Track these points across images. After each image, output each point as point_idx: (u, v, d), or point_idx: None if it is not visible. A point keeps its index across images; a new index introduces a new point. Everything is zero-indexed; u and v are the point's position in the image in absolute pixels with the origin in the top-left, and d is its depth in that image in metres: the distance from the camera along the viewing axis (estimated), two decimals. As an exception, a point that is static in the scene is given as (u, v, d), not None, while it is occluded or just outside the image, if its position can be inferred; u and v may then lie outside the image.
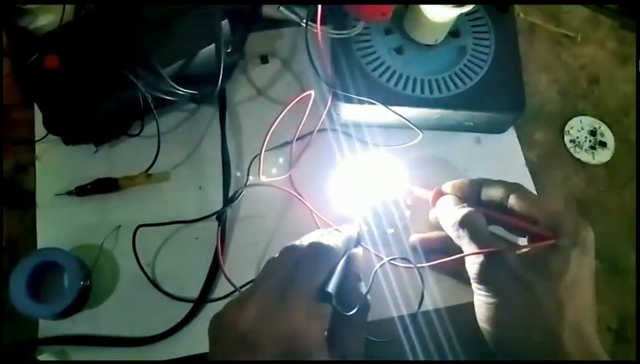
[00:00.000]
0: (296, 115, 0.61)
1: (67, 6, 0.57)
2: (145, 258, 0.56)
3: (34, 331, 0.54)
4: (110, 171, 0.59)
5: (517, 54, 0.63)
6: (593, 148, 0.67)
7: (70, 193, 0.58)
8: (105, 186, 0.59)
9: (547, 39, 0.75)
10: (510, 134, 0.66)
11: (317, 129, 0.63)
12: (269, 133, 0.57)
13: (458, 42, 0.62)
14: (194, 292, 0.55)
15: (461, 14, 0.57)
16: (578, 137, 0.67)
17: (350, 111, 0.63)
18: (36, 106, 0.61)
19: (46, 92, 0.56)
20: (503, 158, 0.65)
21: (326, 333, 0.39)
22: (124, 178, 0.59)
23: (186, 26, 0.58)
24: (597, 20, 0.77)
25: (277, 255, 0.43)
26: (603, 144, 0.67)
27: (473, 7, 0.55)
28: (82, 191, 0.58)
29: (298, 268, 0.40)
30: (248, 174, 0.59)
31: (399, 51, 0.61)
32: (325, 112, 0.62)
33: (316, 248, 0.42)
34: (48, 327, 0.54)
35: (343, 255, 0.44)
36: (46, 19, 0.57)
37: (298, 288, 0.39)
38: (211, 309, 0.54)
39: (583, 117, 0.69)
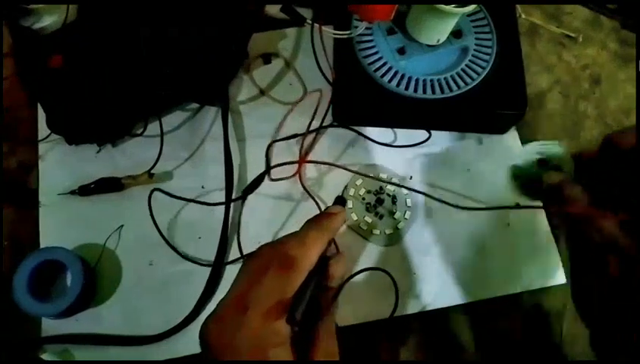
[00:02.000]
0: (302, 114, 0.61)
1: (70, 6, 0.57)
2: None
3: (37, 330, 0.54)
4: (113, 171, 0.60)
5: (519, 54, 0.63)
6: None
7: (73, 193, 0.58)
8: (108, 185, 0.59)
9: (549, 40, 0.75)
10: (512, 135, 0.66)
11: (321, 126, 0.63)
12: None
13: (460, 43, 0.62)
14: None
15: (463, 15, 0.57)
16: None
17: (354, 112, 0.63)
18: (39, 106, 0.61)
19: (50, 92, 0.57)
20: (505, 159, 0.65)
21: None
22: (127, 178, 0.59)
23: (190, 26, 0.58)
24: (598, 21, 0.77)
25: (254, 253, 0.39)
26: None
27: (475, 8, 0.55)
28: (85, 190, 0.58)
29: (267, 274, 0.36)
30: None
31: (401, 51, 0.61)
32: (328, 111, 0.63)
33: (290, 259, 0.37)
34: (51, 326, 0.54)
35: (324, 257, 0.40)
36: (50, 19, 0.57)
37: (260, 300, 0.36)
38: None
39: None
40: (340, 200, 0.48)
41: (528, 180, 0.45)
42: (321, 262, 0.39)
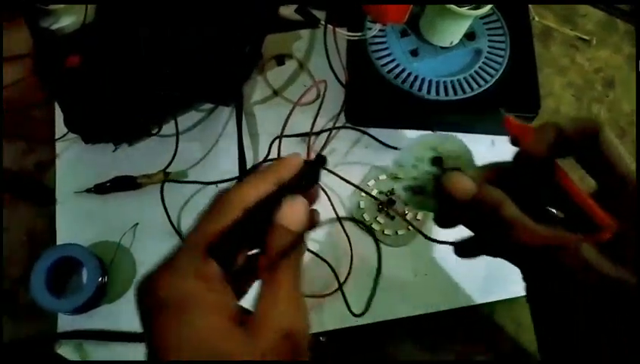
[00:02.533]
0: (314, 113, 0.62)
1: (89, 7, 0.58)
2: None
3: (54, 325, 0.55)
4: (128, 170, 0.60)
5: (532, 57, 0.63)
6: None
7: (89, 191, 0.59)
8: (124, 184, 0.60)
9: (562, 43, 0.75)
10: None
11: (334, 126, 0.64)
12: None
13: (473, 45, 0.62)
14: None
15: (476, 17, 0.57)
16: None
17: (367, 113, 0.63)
18: (56, 105, 0.62)
19: (67, 92, 0.58)
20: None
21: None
22: (143, 176, 0.60)
23: (205, 27, 0.59)
24: (612, 24, 0.77)
25: None
26: None
27: (488, 10, 0.56)
28: (101, 189, 0.59)
29: (200, 215, 0.32)
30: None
31: (414, 53, 0.62)
32: (341, 112, 0.63)
33: (216, 196, 0.33)
34: (67, 322, 0.55)
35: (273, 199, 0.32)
36: (69, 19, 0.58)
37: (186, 242, 0.31)
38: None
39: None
40: (321, 159, 0.36)
41: (420, 189, 0.37)
42: (268, 203, 0.32)
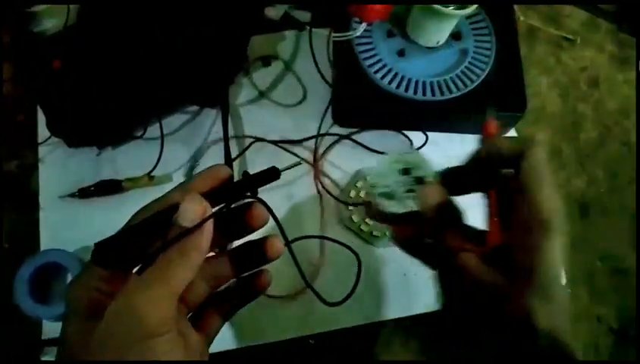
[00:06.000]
0: (303, 116, 0.62)
1: (71, 10, 0.57)
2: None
3: (38, 332, 0.54)
4: (113, 173, 0.60)
5: (518, 56, 0.63)
6: None
7: (73, 195, 0.58)
8: (108, 188, 0.59)
9: (548, 42, 0.75)
10: (511, 136, 0.66)
11: (319, 132, 0.63)
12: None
13: (459, 45, 0.62)
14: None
15: (462, 17, 0.57)
16: None
17: (353, 114, 0.63)
18: (39, 108, 0.61)
19: (50, 95, 0.57)
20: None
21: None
22: (127, 180, 0.59)
23: (189, 29, 0.59)
24: (595, 24, 0.77)
25: None
26: None
27: (474, 10, 0.56)
28: (85, 193, 0.58)
29: None
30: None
31: (401, 53, 0.61)
32: (326, 114, 0.63)
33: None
34: (51, 329, 0.54)
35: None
36: (50, 22, 0.58)
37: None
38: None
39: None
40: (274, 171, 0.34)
41: (391, 195, 0.41)
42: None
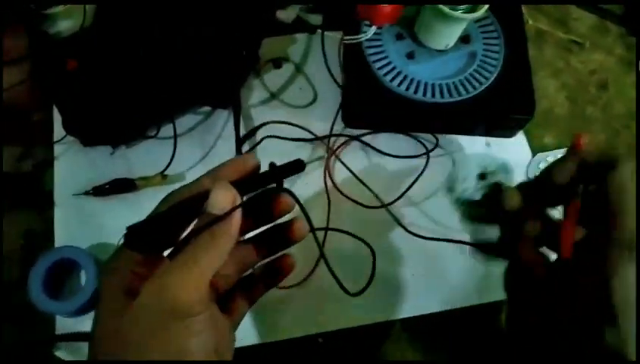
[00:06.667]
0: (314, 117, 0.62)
1: (87, 11, 0.59)
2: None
3: (52, 328, 0.55)
4: (127, 172, 0.61)
5: (526, 59, 0.63)
6: None
7: (87, 193, 0.60)
8: (122, 186, 0.60)
9: (556, 45, 0.76)
10: (520, 138, 0.67)
11: (330, 134, 0.64)
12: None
13: (468, 48, 0.63)
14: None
15: (471, 20, 0.58)
16: None
17: (363, 116, 0.64)
18: (55, 108, 0.62)
19: (65, 95, 0.58)
20: (513, 162, 0.66)
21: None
22: (141, 179, 0.60)
23: (202, 31, 0.60)
24: (604, 27, 0.78)
25: None
26: None
27: (483, 13, 0.56)
28: (99, 191, 0.60)
29: None
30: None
31: (410, 56, 0.62)
32: (337, 116, 0.64)
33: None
34: (65, 324, 0.55)
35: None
36: (67, 23, 0.59)
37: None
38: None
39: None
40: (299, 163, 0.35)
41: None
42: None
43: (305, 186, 0.62)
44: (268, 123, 0.63)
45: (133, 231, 0.31)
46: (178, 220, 0.32)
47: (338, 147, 0.64)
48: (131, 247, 0.31)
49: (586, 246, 0.36)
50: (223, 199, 0.31)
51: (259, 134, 0.64)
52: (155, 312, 0.29)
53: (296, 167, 0.34)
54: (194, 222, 0.32)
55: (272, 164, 0.34)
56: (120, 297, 0.30)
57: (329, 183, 0.62)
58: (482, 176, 0.46)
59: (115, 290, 0.31)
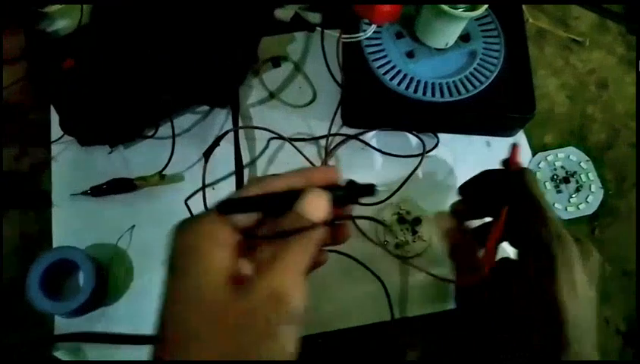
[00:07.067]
0: (313, 116, 0.62)
1: (84, 10, 0.58)
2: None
3: (50, 328, 0.54)
4: (125, 172, 0.60)
5: (527, 58, 0.63)
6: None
7: (85, 193, 0.59)
8: (120, 186, 0.60)
9: (556, 44, 0.75)
10: (520, 137, 0.67)
11: (329, 133, 0.64)
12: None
13: (468, 47, 0.63)
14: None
15: (471, 19, 0.58)
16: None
17: (363, 115, 0.64)
18: (52, 108, 0.62)
19: (63, 94, 0.58)
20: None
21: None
22: (139, 179, 0.60)
23: (200, 29, 0.59)
24: (604, 26, 0.77)
25: None
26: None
27: (483, 12, 0.56)
28: (97, 191, 0.59)
29: None
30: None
31: (410, 55, 0.62)
32: (336, 115, 0.63)
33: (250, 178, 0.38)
34: (63, 325, 0.54)
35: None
36: (64, 22, 0.58)
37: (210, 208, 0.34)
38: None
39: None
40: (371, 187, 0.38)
41: None
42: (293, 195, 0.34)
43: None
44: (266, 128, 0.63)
45: (229, 202, 0.33)
46: (269, 209, 0.34)
47: (334, 147, 0.64)
48: (223, 212, 0.33)
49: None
50: (322, 208, 0.33)
51: (257, 134, 0.64)
52: (267, 314, 0.30)
53: (369, 190, 0.36)
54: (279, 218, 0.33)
55: (351, 182, 0.36)
56: (222, 282, 0.30)
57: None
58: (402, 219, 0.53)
59: (219, 270, 0.31)
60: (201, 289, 0.30)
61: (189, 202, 0.59)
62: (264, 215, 0.34)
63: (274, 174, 0.35)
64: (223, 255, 0.31)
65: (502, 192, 0.43)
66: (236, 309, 0.30)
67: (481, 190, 0.46)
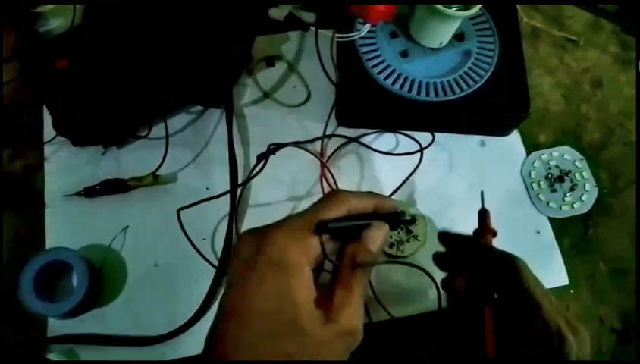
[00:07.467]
0: (307, 117, 0.62)
1: (77, 10, 0.58)
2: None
3: (43, 330, 0.54)
4: (118, 173, 0.60)
5: (521, 57, 0.63)
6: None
7: (78, 194, 0.59)
8: (113, 187, 0.59)
9: (551, 43, 0.75)
10: (514, 136, 0.67)
11: (324, 134, 0.64)
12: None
13: (463, 46, 0.63)
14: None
15: (465, 18, 0.57)
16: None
17: (357, 115, 0.64)
18: (45, 108, 0.61)
19: (56, 95, 0.57)
20: (507, 160, 0.66)
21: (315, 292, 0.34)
22: (132, 179, 0.59)
23: (193, 29, 0.59)
24: (598, 25, 0.77)
25: None
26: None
27: (477, 11, 0.56)
28: (90, 192, 0.59)
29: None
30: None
31: (404, 54, 0.62)
32: (331, 115, 0.63)
33: (329, 192, 0.41)
34: (57, 326, 0.54)
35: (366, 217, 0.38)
36: (56, 22, 0.58)
37: (297, 216, 0.35)
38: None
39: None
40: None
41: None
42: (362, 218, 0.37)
43: (304, 189, 0.62)
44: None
45: (325, 224, 0.34)
46: (348, 233, 0.36)
47: (332, 154, 0.64)
48: (321, 233, 0.34)
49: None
50: (383, 241, 0.37)
51: (253, 134, 0.64)
52: (348, 345, 0.33)
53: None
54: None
55: (397, 213, 0.39)
56: (312, 307, 0.32)
57: (325, 184, 0.62)
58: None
59: (310, 287, 0.32)
60: (297, 306, 0.31)
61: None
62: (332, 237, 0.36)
63: (343, 190, 0.39)
64: (310, 273, 0.33)
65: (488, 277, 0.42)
66: (322, 333, 0.31)
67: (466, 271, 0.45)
